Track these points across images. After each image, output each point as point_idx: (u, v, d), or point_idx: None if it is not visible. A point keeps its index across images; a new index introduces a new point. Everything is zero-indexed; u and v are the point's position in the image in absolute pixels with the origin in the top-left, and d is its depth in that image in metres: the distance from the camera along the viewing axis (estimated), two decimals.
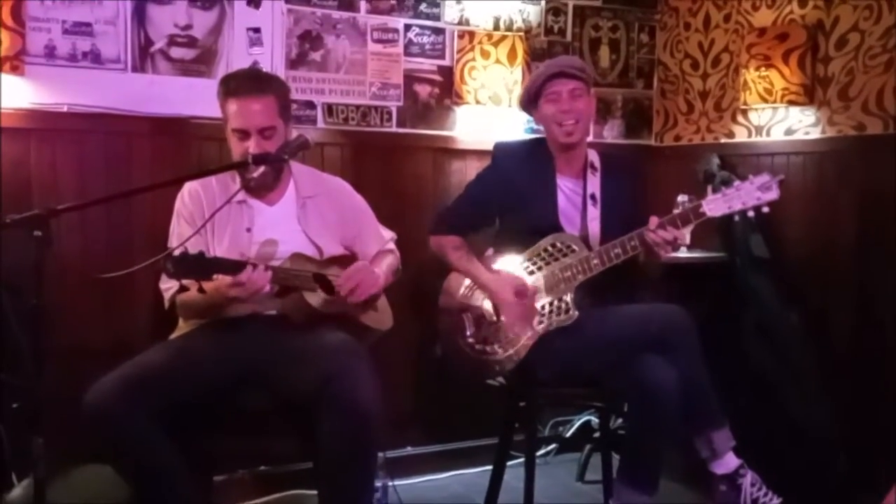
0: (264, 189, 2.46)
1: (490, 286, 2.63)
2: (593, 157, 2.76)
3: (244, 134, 2.35)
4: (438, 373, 2.83)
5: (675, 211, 2.47)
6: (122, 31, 2.81)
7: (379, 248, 2.69)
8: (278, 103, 2.40)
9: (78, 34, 2.75)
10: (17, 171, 2.67)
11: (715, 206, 2.42)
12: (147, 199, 2.70)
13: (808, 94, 3.14)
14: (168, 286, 2.40)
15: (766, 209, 2.41)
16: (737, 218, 2.50)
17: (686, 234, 3.29)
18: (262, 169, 2.23)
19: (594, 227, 2.66)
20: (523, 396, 2.75)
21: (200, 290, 2.10)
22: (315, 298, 2.37)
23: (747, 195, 2.40)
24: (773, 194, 2.39)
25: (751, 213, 2.43)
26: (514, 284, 2.58)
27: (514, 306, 2.57)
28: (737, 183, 2.43)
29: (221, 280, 2.18)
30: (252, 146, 2.32)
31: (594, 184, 2.71)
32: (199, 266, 2.08)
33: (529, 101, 2.72)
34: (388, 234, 2.77)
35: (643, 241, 2.45)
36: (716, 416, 2.55)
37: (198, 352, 2.30)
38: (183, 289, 2.12)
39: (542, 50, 3.56)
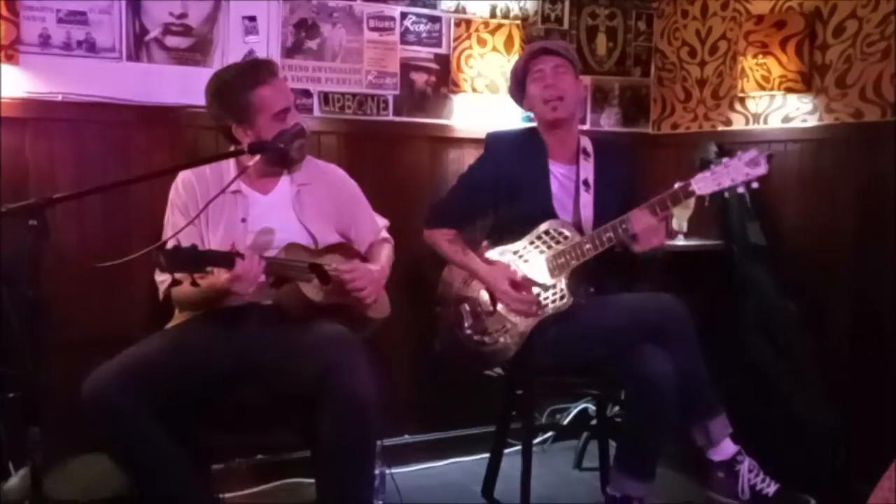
0: (295, 161, 2.51)
1: (486, 278, 2.63)
2: (586, 143, 2.76)
3: (285, 111, 2.40)
4: (436, 361, 2.84)
5: (667, 191, 2.47)
6: (117, 19, 2.80)
7: (373, 236, 2.69)
8: None
9: (72, 23, 2.73)
10: (13, 160, 2.65)
11: (704, 183, 2.42)
12: (143, 188, 2.69)
13: (806, 82, 3.14)
14: (162, 278, 2.40)
15: (755, 185, 2.41)
16: (727, 195, 2.49)
17: (683, 221, 3.31)
18: (256, 157, 2.25)
19: (587, 212, 2.66)
20: (520, 385, 2.76)
21: (194, 283, 2.10)
22: (311, 290, 2.36)
23: (736, 171, 2.40)
24: (762, 169, 2.38)
25: (742, 190, 2.42)
26: (509, 275, 2.58)
27: (510, 296, 2.57)
28: (725, 160, 2.43)
29: (216, 274, 2.18)
30: (293, 118, 2.41)
31: (587, 169, 2.71)
32: (191, 259, 2.07)
33: (517, 85, 2.73)
34: (382, 222, 2.77)
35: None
36: (712, 404, 2.56)
37: (195, 342, 2.30)
38: (176, 282, 2.12)
39: (539, 38, 3.53)
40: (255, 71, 2.41)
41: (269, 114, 2.37)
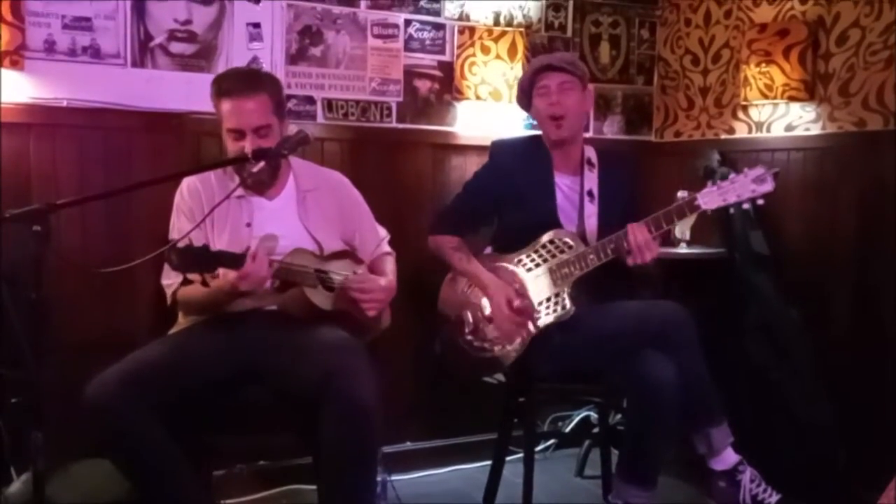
0: (261, 186, 2.46)
1: (487, 289, 2.63)
2: (590, 153, 2.76)
3: (239, 133, 2.34)
4: (437, 368, 2.84)
5: (673, 205, 2.47)
6: (122, 25, 2.80)
7: (376, 245, 2.68)
8: (272, 101, 2.39)
9: (77, 29, 2.74)
10: (17, 165, 2.66)
11: (710, 198, 2.43)
12: (146, 194, 2.68)
13: (809, 91, 3.14)
14: (170, 282, 2.40)
15: (760, 202, 2.42)
16: (732, 211, 2.51)
17: (686, 230, 3.30)
18: (260, 164, 2.23)
19: (591, 223, 2.67)
20: (522, 392, 2.75)
21: (204, 283, 2.10)
22: (316, 296, 2.37)
23: (742, 188, 2.40)
24: (768, 186, 2.39)
25: (747, 206, 2.44)
26: (509, 294, 2.58)
27: (503, 314, 2.56)
28: (732, 175, 2.44)
29: (225, 274, 2.18)
30: (248, 145, 2.31)
31: (591, 180, 2.71)
32: (202, 258, 2.08)
33: (524, 96, 2.73)
34: (382, 233, 2.76)
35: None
36: (714, 412, 2.56)
37: (197, 347, 2.30)
38: (187, 282, 2.12)
39: (543, 46, 3.55)
40: (226, 81, 2.39)
41: (225, 127, 2.37)
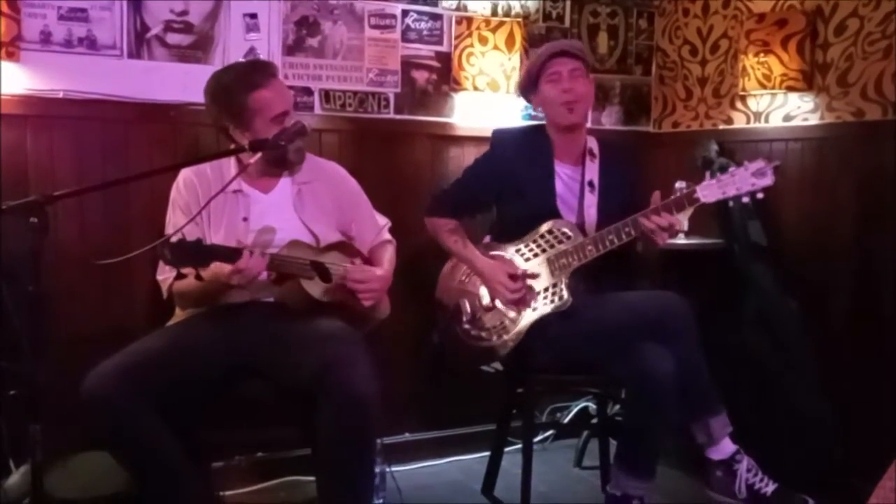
0: (291, 164, 2.50)
1: (484, 270, 2.63)
2: (592, 143, 2.76)
3: (284, 114, 2.39)
4: (436, 359, 2.84)
5: (672, 197, 2.47)
6: (118, 16, 2.79)
7: (375, 234, 2.69)
8: None
9: (73, 20, 2.73)
10: (14, 157, 2.65)
11: (709, 191, 2.42)
12: (144, 186, 2.69)
13: (807, 80, 3.13)
14: (165, 277, 2.40)
15: (760, 195, 2.41)
16: (731, 203, 2.50)
17: (684, 221, 3.30)
18: (257, 156, 2.23)
19: (591, 213, 2.66)
20: (521, 383, 2.75)
21: (198, 277, 2.10)
22: (313, 287, 2.37)
23: (742, 181, 2.40)
24: (768, 180, 2.39)
25: (746, 199, 2.43)
26: (508, 269, 2.58)
27: (505, 286, 2.57)
28: (732, 168, 2.44)
29: (219, 268, 2.18)
30: (291, 121, 2.39)
31: (592, 170, 2.71)
32: (195, 252, 2.08)
33: (530, 83, 2.72)
34: (383, 221, 2.76)
35: (639, 228, 2.45)
36: (713, 402, 2.56)
37: (195, 338, 2.30)
38: (180, 276, 2.11)
39: (541, 36, 3.54)
40: (253, 73, 2.40)
41: (267, 117, 2.36)
